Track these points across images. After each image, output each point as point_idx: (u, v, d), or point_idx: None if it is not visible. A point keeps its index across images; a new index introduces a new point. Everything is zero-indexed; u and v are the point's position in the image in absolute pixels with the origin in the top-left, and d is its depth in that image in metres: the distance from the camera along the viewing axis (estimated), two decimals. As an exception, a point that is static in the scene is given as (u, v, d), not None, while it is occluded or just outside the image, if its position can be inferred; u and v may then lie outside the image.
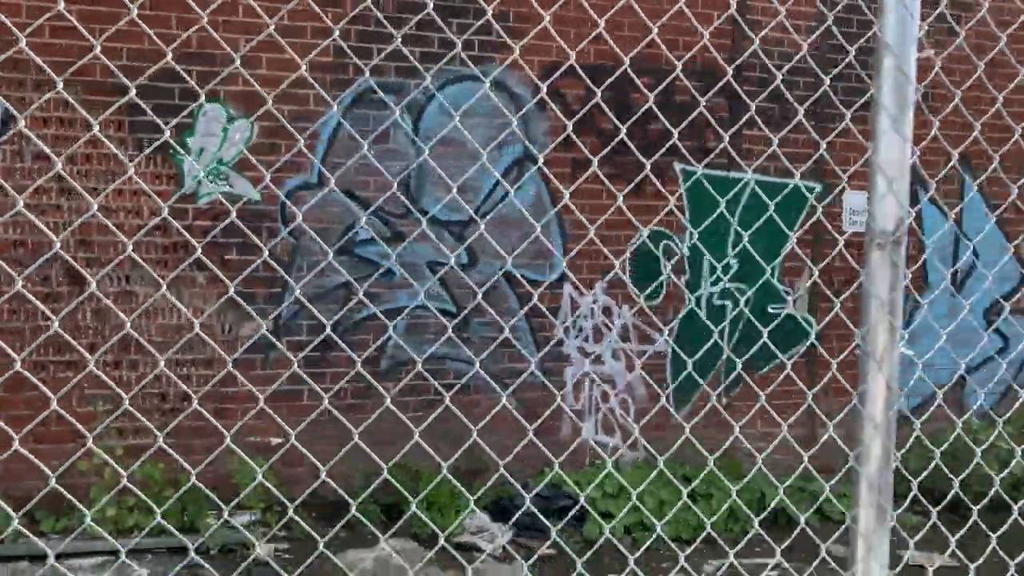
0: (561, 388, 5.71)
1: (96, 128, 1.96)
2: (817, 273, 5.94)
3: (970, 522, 3.19)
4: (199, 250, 2.02)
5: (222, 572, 4.35)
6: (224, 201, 5.15)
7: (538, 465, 5.50)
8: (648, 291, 5.87)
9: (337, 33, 2.41)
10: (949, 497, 3.50)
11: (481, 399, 5.42)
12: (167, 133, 4.80)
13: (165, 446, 4.24)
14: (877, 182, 1.48)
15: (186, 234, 2.70)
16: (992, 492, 3.61)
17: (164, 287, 5.19)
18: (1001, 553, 3.31)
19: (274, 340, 5.21)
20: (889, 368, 1.50)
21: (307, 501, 4.84)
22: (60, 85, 4.64)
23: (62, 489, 1.95)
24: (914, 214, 6.59)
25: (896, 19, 1.48)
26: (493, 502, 5.33)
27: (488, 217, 5.31)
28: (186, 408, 4.99)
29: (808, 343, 6.06)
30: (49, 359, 5.04)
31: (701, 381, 5.87)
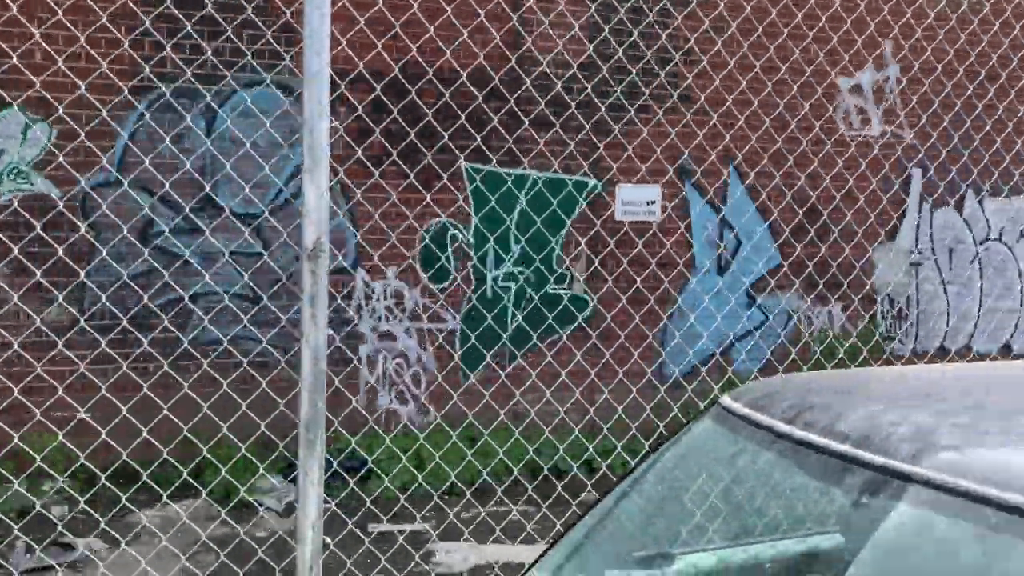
0: (357, 364, 6.33)
1: None
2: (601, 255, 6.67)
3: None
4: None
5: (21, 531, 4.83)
6: (23, 199, 5.57)
7: (335, 433, 6.11)
8: (436, 275, 6.54)
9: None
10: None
11: (280, 375, 5.99)
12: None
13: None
14: (303, 214, 2.09)
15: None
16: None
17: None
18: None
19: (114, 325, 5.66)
20: (313, 344, 2.09)
21: (113, 469, 5.36)
22: None
23: None
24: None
25: (309, 100, 2.07)
26: (290, 466, 5.92)
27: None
28: (-5, 389, 5.42)
29: (584, 318, 6.82)
30: None
31: (486, 353, 6.56)
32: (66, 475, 5.62)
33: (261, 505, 5.34)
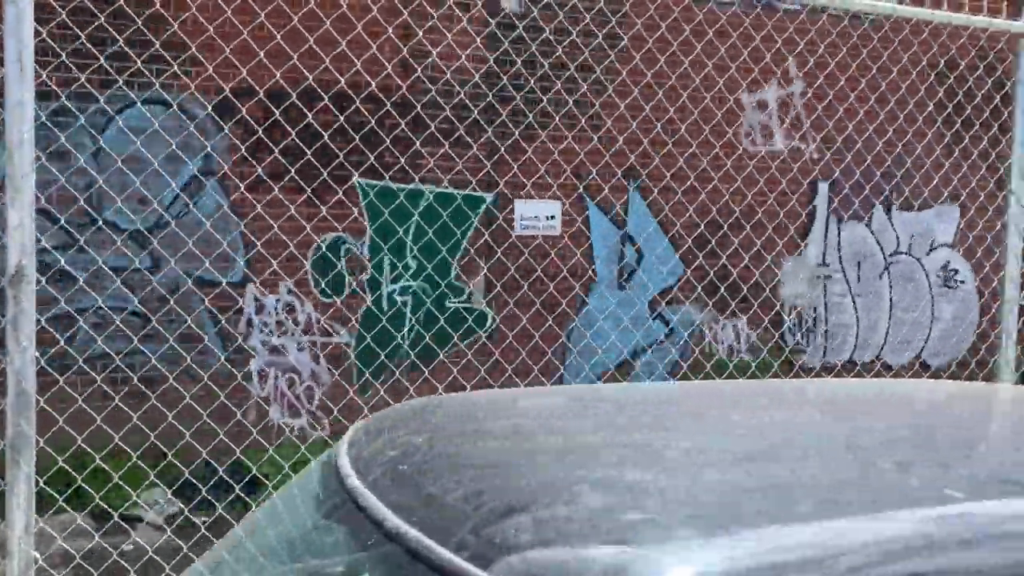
0: (247, 378, 6.39)
1: None
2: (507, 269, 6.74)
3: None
4: None
5: None
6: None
7: (223, 447, 6.17)
8: (330, 289, 6.61)
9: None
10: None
11: (168, 390, 6.05)
12: None
13: None
14: (6, 240, 2.15)
15: None
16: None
17: None
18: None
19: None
20: (17, 366, 2.13)
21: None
22: None
23: None
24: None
25: (10, 130, 2.14)
26: (177, 479, 5.97)
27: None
28: None
29: (488, 331, 6.91)
30: None
31: (389, 365, 6.64)
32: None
33: (141, 520, 5.40)
